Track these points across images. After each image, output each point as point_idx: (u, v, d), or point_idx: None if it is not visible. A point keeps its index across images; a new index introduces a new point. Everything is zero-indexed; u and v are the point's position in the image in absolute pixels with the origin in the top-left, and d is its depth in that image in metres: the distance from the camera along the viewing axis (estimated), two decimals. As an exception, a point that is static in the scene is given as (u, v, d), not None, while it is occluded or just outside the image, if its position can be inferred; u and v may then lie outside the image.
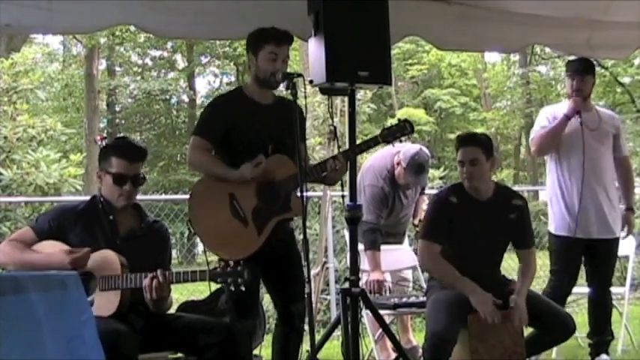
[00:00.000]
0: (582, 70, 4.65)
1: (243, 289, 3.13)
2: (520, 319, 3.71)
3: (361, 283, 4.10)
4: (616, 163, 4.73)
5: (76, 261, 3.15)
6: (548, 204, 4.72)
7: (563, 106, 4.69)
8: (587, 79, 4.64)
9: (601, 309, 4.66)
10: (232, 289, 3.13)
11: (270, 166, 3.59)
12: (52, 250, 3.27)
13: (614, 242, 4.65)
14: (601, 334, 4.64)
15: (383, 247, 4.89)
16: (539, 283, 5.51)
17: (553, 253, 4.63)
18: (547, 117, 4.67)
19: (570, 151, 4.57)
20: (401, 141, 3.87)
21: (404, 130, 3.79)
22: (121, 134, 20.67)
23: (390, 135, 3.78)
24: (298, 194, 3.55)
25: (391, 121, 3.91)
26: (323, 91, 3.98)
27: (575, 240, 4.52)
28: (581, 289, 4.97)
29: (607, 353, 4.65)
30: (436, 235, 3.89)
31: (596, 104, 5.26)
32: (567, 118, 4.53)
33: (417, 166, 4.83)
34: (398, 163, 4.86)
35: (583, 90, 4.61)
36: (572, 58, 4.98)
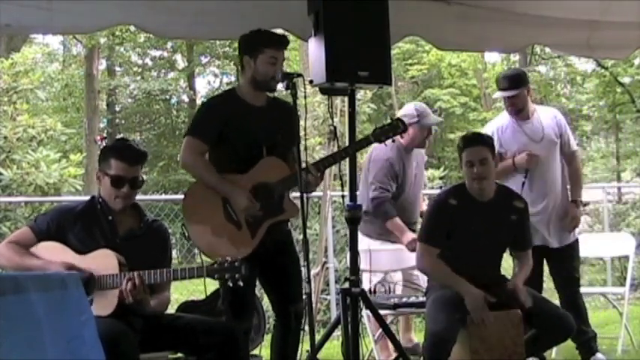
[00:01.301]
0: (508, 87, 4.66)
1: (241, 284, 3.12)
2: (525, 299, 3.72)
3: (366, 284, 4.08)
4: (565, 160, 4.74)
5: None
6: None
7: (503, 121, 4.73)
8: (518, 94, 4.63)
9: (574, 311, 4.61)
10: (230, 284, 3.12)
11: (262, 173, 3.59)
12: (52, 255, 3.27)
13: (571, 247, 4.67)
14: (583, 334, 4.61)
15: (385, 246, 4.88)
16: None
17: None
18: (495, 129, 4.70)
19: (516, 174, 4.61)
20: (393, 140, 3.87)
21: (396, 128, 3.79)
22: (121, 135, 20.66)
23: (382, 134, 3.78)
24: (294, 195, 3.56)
25: (386, 119, 3.91)
26: (323, 91, 3.98)
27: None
28: (581, 289, 4.96)
29: (598, 350, 4.64)
30: (434, 239, 3.89)
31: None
32: (514, 169, 4.59)
33: (423, 109, 4.89)
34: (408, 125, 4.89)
35: (516, 104, 4.65)
36: (503, 74, 5.00)
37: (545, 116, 4.75)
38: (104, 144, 20.96)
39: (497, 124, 4.81)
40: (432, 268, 3.92)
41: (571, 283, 4.72)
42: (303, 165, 3.48)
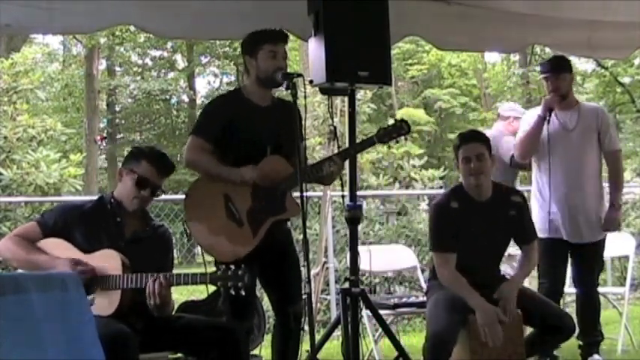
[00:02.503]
0: (555, 69, 4.57)
1: (243, 293, 3.12)
2: (505, 310, 3.66)
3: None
4: (605, 158, 4.64)
5: (80, 273, 3.12)
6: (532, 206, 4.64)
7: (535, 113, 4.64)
8: (562, 77, 4.55)
9: (589, 310, 4.63)
10: (232, 292, 3.12)
11: (268, 169, 3.59)
12: (57, 251, 3.27)
13: (596, 245, 4.59)
14: (591, 335, 4.61)
15: (383, 247, 4.89)
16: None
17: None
18: (528, 121, 4.64)
19: (544, 154, 4.53)
20: (397, 141, 3.87)
21: (400, 130, 3.79)
22: (121, 135, 20.67)
23: (386, 135, 3.78)
24: (295, 194, 3.56)
25: (388, 122, 3.92)
26: (323, 91, 3.98)
27: (556, 241, 4.49)
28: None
29: (598, 353, 4.62)
30: (447, 245, 3.84)
31: (591, 101, 5.28)
32: (542, 118, 4.49)
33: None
34: (514, 118, 5.56)
35: (560, 88, 4.54)
36: (547, 59, 4.94)
37: (587, 110, 4.63)
38: (104, 144, 20.98)
39: (536, 110, 4.70)
40: (449, 280, 3.82)
41: (586, 282, 4.65)
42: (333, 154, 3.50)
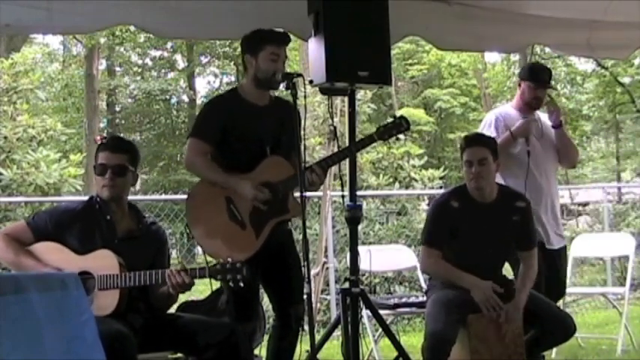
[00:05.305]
0: (548, 80, 4.42)
1: (242, 285, 3.14)
2: (513, 328, 3.68)
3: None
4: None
5: None
6: None
7: (508, 110, 4.47)
8: (546, 91, 4.43)
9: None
10: (231, 285, 3.14)
11: (266, 172, 3.59)
12: (50, 255, 3.27)
13: (557, 253, 4.46)
14: None
15: (383, 247, 4.89)
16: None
17: None
18: (496, 126, 4.36)
19: (513, 168, 4.31)
20: (397, 138, 3.87)
21: (400, 126, 3.79)
22: (121, 135, 20.64)
23: (386, 132, 3.78)
24: (296, 194, 3.56)
25: (388, 119, 3.91)
26: (323, 91, 3.98)
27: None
28: (581, 289, 4.96)
29: None
30: (436, 242, 3.88)
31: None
32: (514, 138, 4.29)
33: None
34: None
35: (541, 100, 4.40)
36: (531, 63, 4.76)
37: (545, 119, 4.53)
38: (104, 144, 20.94)
39: (502, 110, 4.54)
40: (435, 268, 3.92)
41: (557, 290, 4.50)
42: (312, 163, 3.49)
